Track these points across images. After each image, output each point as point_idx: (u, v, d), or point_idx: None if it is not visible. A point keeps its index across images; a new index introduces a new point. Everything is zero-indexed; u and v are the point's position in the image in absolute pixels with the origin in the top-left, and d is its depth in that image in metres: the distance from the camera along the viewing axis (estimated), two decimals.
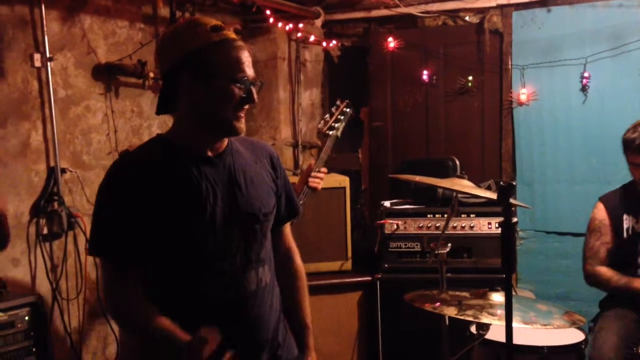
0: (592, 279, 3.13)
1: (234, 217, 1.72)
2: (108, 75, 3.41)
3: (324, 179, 2.89)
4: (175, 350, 1.59)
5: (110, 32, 3.43)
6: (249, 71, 1.69)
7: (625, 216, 3.06)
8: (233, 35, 1.68)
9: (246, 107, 1.70)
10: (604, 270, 3.08)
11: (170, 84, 1.69)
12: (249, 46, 1.71)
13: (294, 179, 2.80)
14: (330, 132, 2.89)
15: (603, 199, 3.18)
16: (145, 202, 1.62)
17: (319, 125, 2.96)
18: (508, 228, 1.70)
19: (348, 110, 2.99)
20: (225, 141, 1.77)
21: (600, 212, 3.14)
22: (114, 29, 3.45)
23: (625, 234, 3.05)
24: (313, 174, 2.85)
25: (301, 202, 2.75)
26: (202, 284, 1.68)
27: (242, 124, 1.70)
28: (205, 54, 1.63)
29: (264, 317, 1.80)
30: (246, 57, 1.68)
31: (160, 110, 1.75)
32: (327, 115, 2.97)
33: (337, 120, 2.94)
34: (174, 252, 1.67)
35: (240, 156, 1.80)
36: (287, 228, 2.07)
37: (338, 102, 3.02)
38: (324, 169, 2.89)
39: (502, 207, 1.68)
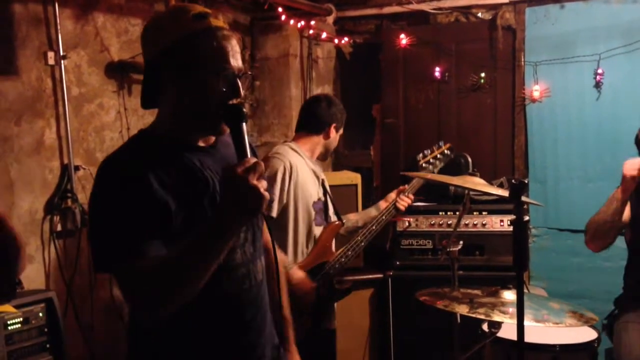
0: (589, 226, 3.00)
1: None
2: (121, 73, 3.42)
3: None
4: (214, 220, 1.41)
5: (123, 30, 3.45)
6: (234, 62, 1.54)
7: None
8: (218, 23, 1.56)
9: (233, 102, 1.55)
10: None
11: (152, 76, 1.58)
12: (237, 35, 1.59)
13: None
14: (427, 166, 3.17)
15: None
16: (149, 199, 1.46)
17: (418, 157, 3.21)
18: (520, 226, 1.69)
19: (449, 152, 3.23)
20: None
21: None
22: (127, 27, 3.47)
23: None
24: (402, 196, 3.16)
25: (383, 217, 3.11)
26: (218, 277, 1.51)
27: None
28: (186, 45, 1.51)
29: (268, 308, 1.77)
30: (231, 47, 1.54)
31: (145, 104, 1.63)
32: (428, 150, 3.22)
33: (436, 158, 3.20)
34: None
35: (230, 149, 1.55)
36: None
37: (441, 143, 3.24)
38: (411, 196, 3.19)
39: (514, 205, 1.68)
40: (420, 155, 3.18)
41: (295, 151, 2.91)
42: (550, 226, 4.23)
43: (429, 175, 2.68)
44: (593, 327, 2.69)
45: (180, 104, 1.56)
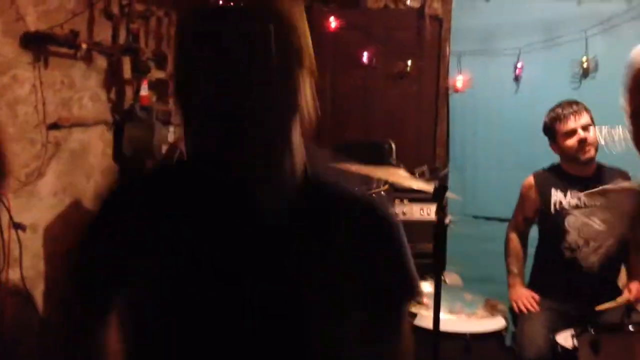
0: (505, 241, 3.41)
1: None
2: (38, 44, 3.24)
3: None
4: None
5: None
6: None
7: (553, 190, 3.18)
8: None
9: None
10: (513, 243, 3.35)
11: None
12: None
13: None
14: None
15: (535, 174, 3.33)
16: None
17: None
18: (441, 228, 1.74)
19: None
20: None
21: (529, 184, 3.31)
22: None
23: (552, 208, 3.16)
24: None
25: None
26: None
27: None
28: None
29: None
30: None
31: None
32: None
33: None
34: None
35: None
36: None
37: (379, 183, 3.02)
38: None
39: (436, 208, 1.72)
40: None
41: None
42: (466, 213, 4.36)
43: (353, 167, 2.69)
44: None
45: None
